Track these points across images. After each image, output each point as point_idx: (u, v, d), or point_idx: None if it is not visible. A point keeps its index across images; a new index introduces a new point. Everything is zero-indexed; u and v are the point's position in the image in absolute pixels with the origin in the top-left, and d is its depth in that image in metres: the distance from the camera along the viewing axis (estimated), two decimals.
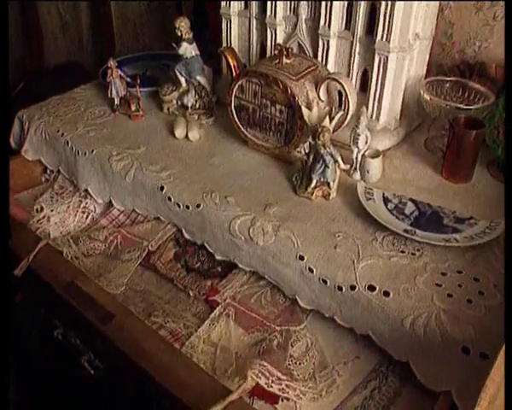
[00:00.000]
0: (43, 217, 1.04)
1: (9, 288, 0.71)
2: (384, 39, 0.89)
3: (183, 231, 0.92)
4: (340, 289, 0.72)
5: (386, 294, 0.69)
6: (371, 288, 0.70)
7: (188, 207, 0.88)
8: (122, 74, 1.12)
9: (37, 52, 2.29)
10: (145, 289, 0.90)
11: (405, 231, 0.77)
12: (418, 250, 0.76)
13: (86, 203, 1.07)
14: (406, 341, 0.68)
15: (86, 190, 1.06)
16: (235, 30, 1.09)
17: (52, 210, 1.05)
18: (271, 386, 0.69)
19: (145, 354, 0.72)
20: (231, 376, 0.73)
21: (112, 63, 1.09)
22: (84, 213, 1.06)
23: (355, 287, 0.71)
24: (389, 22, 0.88)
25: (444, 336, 0.64)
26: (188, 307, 0.86)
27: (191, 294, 0.87)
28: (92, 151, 1.02)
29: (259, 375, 0.70)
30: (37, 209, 1.05)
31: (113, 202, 1.03)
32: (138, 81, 1.10)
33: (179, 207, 0.89)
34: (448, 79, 1.00)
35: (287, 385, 0.71)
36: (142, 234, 0.97)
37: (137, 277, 0.92)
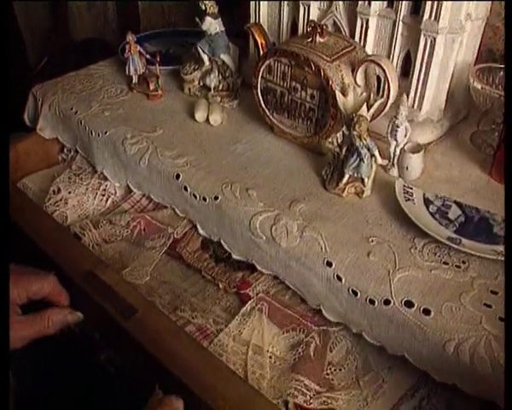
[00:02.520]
0: (61, 199, 0.97)
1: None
2: (432, 18, 0.79)
3: (198, 225, 0.84)
4: (371, 302, 0.63)
5: (427, 312, 0.60)
6: (409, 304, 0.61)
7: (205, 200, 0.80)
8: (141, 50, 1.04)
9: (62, 28, 2.24)
10: (170, 280, 0.82)
11: (449, 239, 0.67)
12: (464, 262, 0.66)
13: (106, 186, 0.99)
14: (449, 366, 0.59)
15: (103, 173, 0.99)
16: (264, 5, 1.00)
17: (70, 192, 0.97)
18: (311, 403, 0.63)
19: (170, 354, 0.63)
20: (264, 382, 0.67)
21: (130, 38, 1.01)
22: (103, 195, 0.99)
23: (390, 302, 0.62)
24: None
25: (494, 367, 0.55)
26: (217, 300, 0.78)
27: (221, 286, 0.79)
28: (106, 132, 0.94)
29: (296, 393, 0.63)
30: (53, 191, 0.98)
31: (131, 186, 0.95)
32: (158, 58, 1.02)
33: (195, 198, 0.81)
34: (502, 66, 0.89)
35: (327, 397, 0.64)
36: (166, 220, 0.90)
37: (162, 266, 0.84)
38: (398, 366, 0.67)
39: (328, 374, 0.67)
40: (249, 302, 0.75)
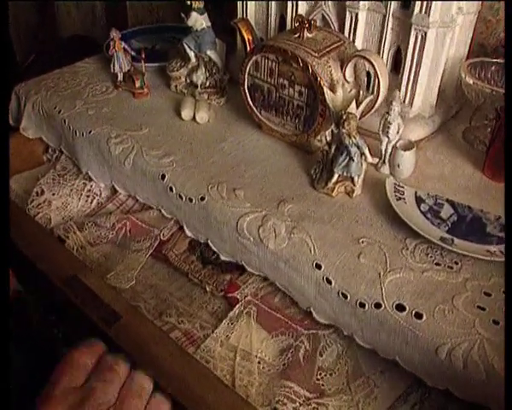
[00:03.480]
0: (44, 201, 0.94)
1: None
2: (423, 12, 0.77)
3: (185, 226, 0.81)
4: (362, 305, 0.61)
5: (419, 316, 0.58)
6: (400, 307, 0.59)
7: (191, 200, 0.78)
8: (126, 47, 1.01)
9: (50, 24, 2.21)
10: (156, 283, 0.80)
11: (442, 239, 0.65)
12: (456, 263, 0.64)
13: (91, 186, 0.97)
14: (441, 371, 0.57)
15: (88, 174, 0.96)
16: (251, 0, 0.97)
17: (54, 194, 0.95)
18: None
19: (155, 361, 0.61)
20: (252, 389, 0.64)
21: (115, 34, 0.98)
22: (88, 196, 0.96)
23: (380, 305, 0.60)
24: None
25: (488, 373, 0.53)
26: (204, 304, 0.76)
27: (208, 289, 0.77)
28: (90, 132, 0.92)
29: (285, 400, 0.61)
30: (37, 192, 0.95)
31: (116, 187, 0.93)
32: (143, 55, 0.99)
33: (181, 198, 0.79)
34: (494, 60, 0.87)
35: (318, 403, 0.62)
36: (152, 221, 0.87)
37: (147, 269, 0.82)
38: (390, 371, 0.65)
39: (318, 379, 0.65)
40: (237, 306, 0.73)
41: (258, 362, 0.67)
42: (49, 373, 0.50)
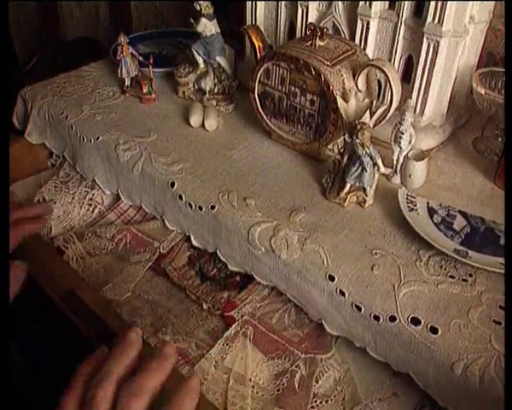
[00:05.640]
0: None
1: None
2: (436, 21, 0.76)
3: (192, 236, 0.80)
4: (376, 318, 0.61)
5: (434, 330, 0.57)
6: (415, 321, 0.59)
7: (201, 209, 0.77)
8: (134, 52, 1.00)
9: (52, 25, 2.20)
10: (154, 298, 0.79)
11: (456, 251, 0.65)
12: (470, 275, 0.64)
13: (93, 194, 0.96)
14: (456, 388, 0.56)
15: (94, 181, 0.95)
16: (261, 6, 0.97)
17: (55, 202, 0.94)
18: None
19: None
20: None
21: (122, 39, 0.98)
22: (90, 205, 0.95)
23: (395, 318, 0.60)
24: (443, 1, 0.75)
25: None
26: (200, 322, 0.75)
27: (205, 307, 0.76)
28: (97, 138, 0.91)
29: None
30: (38, 200, 0.95)
31: (121, 196, 0.92)
32: (151, 60, 0.99)
33: (191, 207, 0.78)
34: (504, 70, 0.86)
35: None
36: (153, 233, 0.87)
37: (146, 283, 0.81)
38: (389, 398, 0.64)
39: (313, 407, 0.63)
40: (233, 326, 0.72)
41: (253, 386, 0.66)
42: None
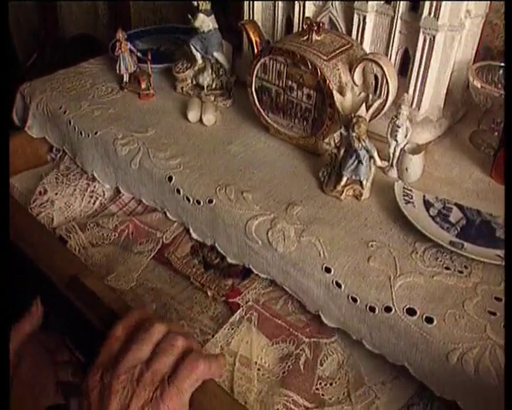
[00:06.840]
0: (47, 200, 0.94)
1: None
2: (432, 15, 0.77)
3: (191, 229, 0.81)
4: (372, 309, 0.61)
5: (429, 320, 0.58)
6: (411, 311, 0.59)
7: (198, 203, 0.77)
8: (132, 48, 1.01)
9: (52, 23, 2.20)
10: (157, 286, 0.79)
11: (451, 243, 0.65)
12: (466, 267, 0.64)
13: (94, 187, 0.96)
14: (451, 377, 0.57)
15: (93, 175, 0.96)
16: (258, 1, 0.97)
17: (56, 193, 0.94)
18: None
19: None
20: (251, 396, 0.64)
21: (121, 35, 0.98)
22: (91, 197, 0.96)
23: (391, 309, 0.60)
24: None
25: (500, 378, 0.53)
26: (204, 309, 0.75)
27: (209, 294, 0.76)
28: (96, 133, 0.91)
29: (284, 409, 0.61)
30: (39, 192, 0.95)
31: (121, 189, 0.92)
32: (149, 56, 0.99)
33: (188, 201, 0.79)
34: (502, 64, 0.87)
35: None
36: (155, 224, 0.87)
37: (149, 272, 0.81)
38: (391, 382, 0.65)
39: (317, 389, 0.64)
40: (238, 311, 0.72)
41: (258, 369, 0.67)
42: None
